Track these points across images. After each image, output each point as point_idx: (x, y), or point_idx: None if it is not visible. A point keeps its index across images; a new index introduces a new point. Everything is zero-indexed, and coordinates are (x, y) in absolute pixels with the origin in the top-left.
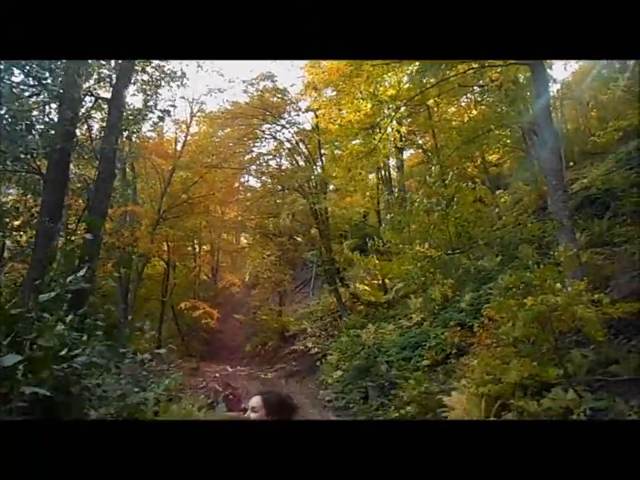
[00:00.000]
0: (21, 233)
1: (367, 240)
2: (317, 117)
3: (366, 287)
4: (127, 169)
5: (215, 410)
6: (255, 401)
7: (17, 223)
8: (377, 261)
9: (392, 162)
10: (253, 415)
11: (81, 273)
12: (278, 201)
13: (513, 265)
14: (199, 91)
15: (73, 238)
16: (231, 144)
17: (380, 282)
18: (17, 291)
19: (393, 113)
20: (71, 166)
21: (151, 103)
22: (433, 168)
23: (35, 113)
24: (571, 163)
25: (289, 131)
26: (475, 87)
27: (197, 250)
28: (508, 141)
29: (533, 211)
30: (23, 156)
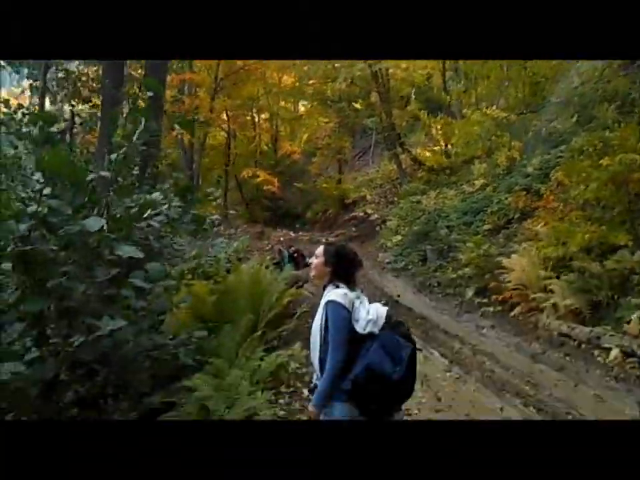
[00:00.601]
0: (89, 101)
1: (430, 104)
2: None
3: (428, 153)
4: None
5: (282, 269)
6: (318, 250)
7: (84, 93)
8: (444, 121)
9: None
10: (314, 261)
11: (141, 127)
12: (336, 65)
13: (590, 127)
14: None
15: (136, 105)
16: None
17: (443, 147)
18: (90, 161)
19: None
20: None
21: None
22: None
23: None
24: None
25: None
26: None
27: (256, 119)
28: None
29: (619, 66)
30: None
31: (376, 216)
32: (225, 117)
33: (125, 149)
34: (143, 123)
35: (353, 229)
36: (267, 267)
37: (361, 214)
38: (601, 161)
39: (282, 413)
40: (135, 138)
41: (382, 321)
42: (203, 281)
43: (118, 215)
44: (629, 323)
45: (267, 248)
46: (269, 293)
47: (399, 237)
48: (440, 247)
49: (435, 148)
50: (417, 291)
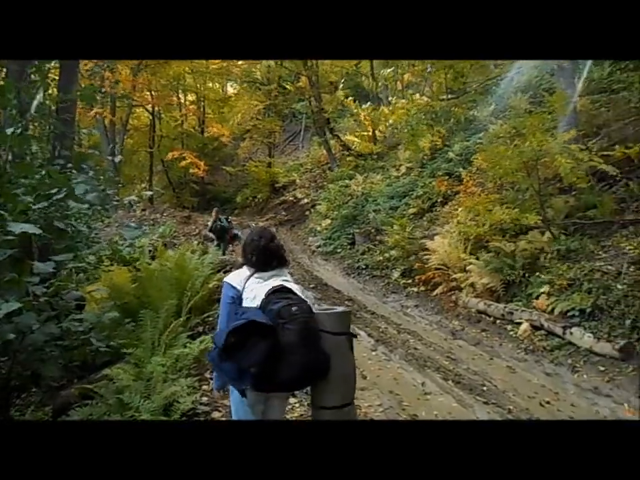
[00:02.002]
0: None
1: (359, 91)
2: None
3: (356, 139)
4: None
5: (218, 227)
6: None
7: None
8: (371, 108)
9: None
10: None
11: (39, 96)
12: None
13: (506, 115)
14: None
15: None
16: None
17: (370, 133)
18: None
19: None
20: None
21: None
22: None
23: None
24: None
25: None
26: None
27: (182, 100)
28: None
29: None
30: None
31: (306, 200)
32: (149, 97)
33: (19, 123)
34: (40, 96)
35: (283, 212)
36: (193, 252)
37: (291, 198)
38: (512, 144)
39: (204, 399)
40: (32, 110)
41: (261, 296)
42: (122, 267)
43: (15, 194)
44: (537, 298)
45: (195, 233)
46: (194, 278)
47: (328, 221)
48: (367, 230)
49: (364, 133)
50: (345, 273)
